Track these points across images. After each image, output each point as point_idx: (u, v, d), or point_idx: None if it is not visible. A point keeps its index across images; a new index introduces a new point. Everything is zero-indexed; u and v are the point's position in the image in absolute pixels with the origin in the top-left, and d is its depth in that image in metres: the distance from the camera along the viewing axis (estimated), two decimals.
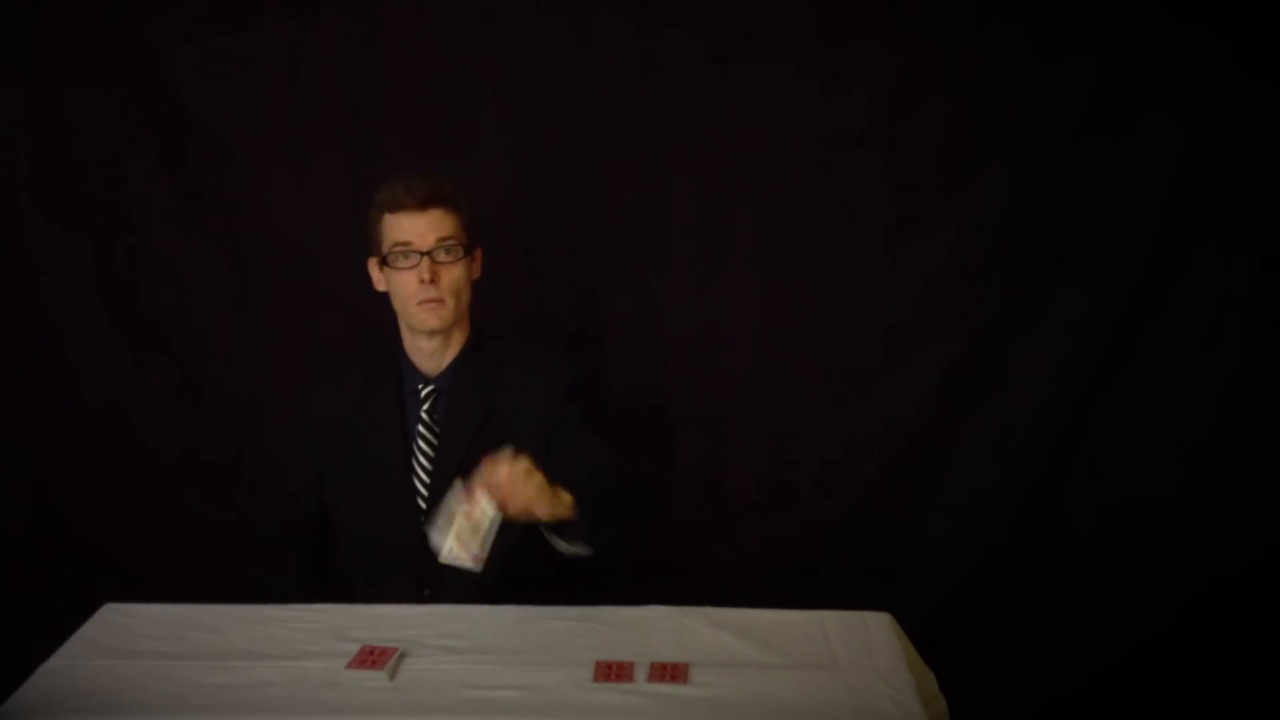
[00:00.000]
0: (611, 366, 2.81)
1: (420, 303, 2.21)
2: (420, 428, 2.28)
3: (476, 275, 2.28)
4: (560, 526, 1.98)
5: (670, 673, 1.79)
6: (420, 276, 2.20)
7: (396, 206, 2.21)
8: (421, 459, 2.27)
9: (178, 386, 2.84)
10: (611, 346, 2.81)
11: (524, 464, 1.89)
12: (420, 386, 2.29)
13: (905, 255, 2.75)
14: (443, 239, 2.21)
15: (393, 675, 1.81)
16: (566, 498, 1.94)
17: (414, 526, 2.26)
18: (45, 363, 2.82)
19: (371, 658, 1.84)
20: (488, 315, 2.36)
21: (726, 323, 2.79)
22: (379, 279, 2.29)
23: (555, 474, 2.23)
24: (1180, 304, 2.71)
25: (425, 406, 2.28)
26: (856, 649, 1.87)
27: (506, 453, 1.91)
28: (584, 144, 2.74)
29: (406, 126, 2.74)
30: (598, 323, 2.80)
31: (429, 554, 2.25)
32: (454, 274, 2.22)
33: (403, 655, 1.86)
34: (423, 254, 2.20)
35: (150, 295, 2.81)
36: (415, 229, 2.20)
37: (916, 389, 2.79)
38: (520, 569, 2.26)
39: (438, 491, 2.24)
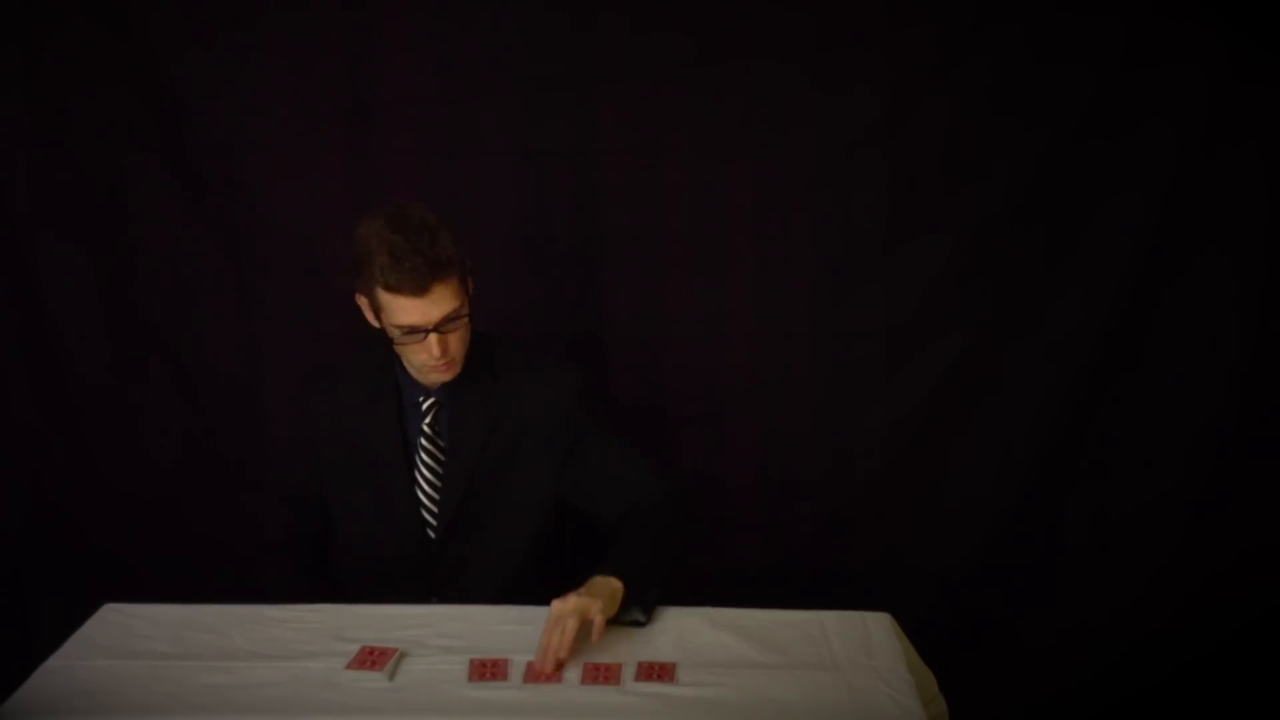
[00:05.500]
0: (611, 366, 2.81)
1: (431, 368, 2.17)
2: (423, 440, 2.24)
3: (471, 293, 2.18)
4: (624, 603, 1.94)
5: (658, 672, 1.79)
6: (429, 350, 2.12)
7: (396, 289, 2.08)
8: (427, 473, 2.24)
9: (178, 387, 2.83)
10: (611, 346, 2.81)
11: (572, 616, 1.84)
12: (421, 399, 2.25)
13: (905, 255, 2.75)
14: (447, 315, 2.11)
15: (392, 675, 1.81)
16: (615, 586, 1.91)
17: (418, 538, 2.25)
18: (45, 363, 2.81)
19: (371, 658, 1.84)
20: (488, 315, 2.32)
21: (726, 323, 2.79)
22: (372, 318, 2.19)
23: (584, 489, 2.22)
24: (1180, 305, 2.71)
25: (427, 420, 2.25)
26: (856, 649, 1.87)
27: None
28: (584, 144, 2.74)
29: (406, 126, 2.74)
30: (598, 323, 2.80)
31: (433, 565, 2.25)
32: (460, 334, 2.15)
33: (403, 655, 1.86)
34: (429, 331, 2.11)
35: (150, 296, 2.81)
36: (419, 312, 2.09)
37: (916, 389, 2.79)
38: (525, 576, 2.26)
39: (447, 507, 2.23)
